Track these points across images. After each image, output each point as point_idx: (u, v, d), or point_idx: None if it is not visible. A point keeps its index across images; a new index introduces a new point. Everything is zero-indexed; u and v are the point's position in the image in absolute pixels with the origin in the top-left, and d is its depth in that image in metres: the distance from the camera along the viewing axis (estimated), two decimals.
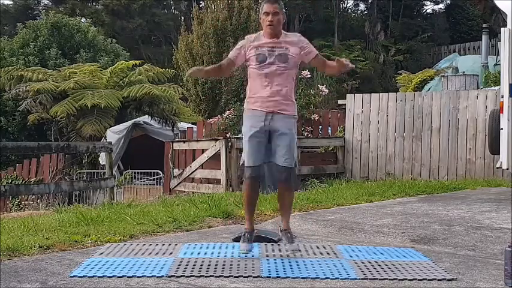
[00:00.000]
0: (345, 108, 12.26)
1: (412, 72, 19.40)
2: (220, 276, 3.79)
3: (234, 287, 3.57)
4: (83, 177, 15.69)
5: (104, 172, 12.27)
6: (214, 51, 19.35)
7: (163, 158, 13.54)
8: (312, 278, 3.77)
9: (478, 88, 13.96)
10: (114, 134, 16.52)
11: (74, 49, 24.43)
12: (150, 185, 15.70)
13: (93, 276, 3.76)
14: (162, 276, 3.78)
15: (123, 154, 16.91)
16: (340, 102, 14.80)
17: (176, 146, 12.90)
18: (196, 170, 11.81)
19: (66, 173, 16.31)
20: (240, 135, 8.78)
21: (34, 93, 16.41)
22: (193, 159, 12.22)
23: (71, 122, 16.82)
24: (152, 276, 3.78)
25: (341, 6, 34.86)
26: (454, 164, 10.93)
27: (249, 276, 3.79)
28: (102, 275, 3.79)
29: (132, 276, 3.76)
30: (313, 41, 28.13)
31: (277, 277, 3.77)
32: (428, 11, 35.75)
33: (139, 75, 17.90)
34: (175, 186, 12.46)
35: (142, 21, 31.90)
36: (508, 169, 7.74)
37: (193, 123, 16.83)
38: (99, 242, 4.87)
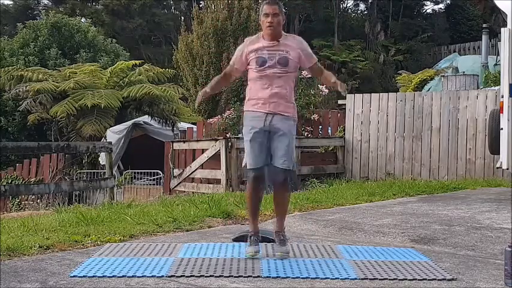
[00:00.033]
0: (344, 108, 12.26)
1: (412, 72, 19.39)
2: (220, 276, 3.79)
3: (234, 287, 3.58)
4: (83, 177, 15.69)
5: (104, 172, 12.27)
6: (214, 51, 19.36)
7: (163, 158, 13.55)
8: (312, 278, 3.77)
9: (478, 88, 13.95)
10: (114, 134, 16.52)
11: (74, 49, 24.43)
12: (150, 185, 15.70)
13: (93, 276, 3.76)
14: (162, 276, 3.78)
15: (123, 154, 16.91)
16: (340, 102, 14.79)
17: (176, 146, 12.90)
18: (196, 170, 11.81)
19: (66, 173, 16.31)
20: (240, 135, 8.78)
21: (34, 93, 16.41)
22: (193, 159, 12.22)
23: (71, 122, 16.82)
24: (152, 276, 3.78)
25: (341, 6, 34.87)
26: (454, 164, 10.93)
27: (249, 276, 3.79)
28: (102, 275, 3.79)
29: (132, 276, 3.77)
30: (313, 41, 28.24)
31: (277, 277, 3.78)
32: (428, 11, 35.82)
33: (139, 75, 17.90)
34: (175, 186, 12.46)
35: (142, 21, 31.90)
36: (508, 169, 7.74)
37: (193, 123, 16.83)
38: (99, 242, 4.87)
